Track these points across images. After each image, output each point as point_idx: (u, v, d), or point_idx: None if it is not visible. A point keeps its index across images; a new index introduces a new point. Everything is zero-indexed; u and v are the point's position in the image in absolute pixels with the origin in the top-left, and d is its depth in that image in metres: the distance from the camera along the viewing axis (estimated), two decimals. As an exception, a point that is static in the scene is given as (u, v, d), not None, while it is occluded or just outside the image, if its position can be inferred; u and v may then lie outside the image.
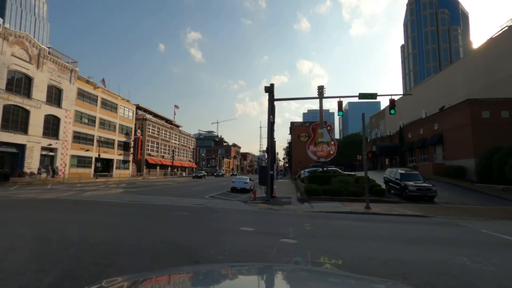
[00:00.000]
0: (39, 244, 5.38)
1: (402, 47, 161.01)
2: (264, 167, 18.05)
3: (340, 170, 28.77)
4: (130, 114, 50.66)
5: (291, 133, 72.94)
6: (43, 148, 32.35)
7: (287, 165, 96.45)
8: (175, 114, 70.17)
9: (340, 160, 75.45)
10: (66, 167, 35.56)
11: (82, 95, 38.47)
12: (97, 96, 41.34)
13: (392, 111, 17.74)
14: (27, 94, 30.38)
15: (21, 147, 29.92)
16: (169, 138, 66.06)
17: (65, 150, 35.33)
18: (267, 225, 9.16)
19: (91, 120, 40.41)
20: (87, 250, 5.04)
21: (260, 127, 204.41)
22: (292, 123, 71.36)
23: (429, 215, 12.23)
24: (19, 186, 22.53)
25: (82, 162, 38.49)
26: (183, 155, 74.65)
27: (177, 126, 75.55)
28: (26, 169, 30.11)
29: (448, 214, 12.76)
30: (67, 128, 35.50)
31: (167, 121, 71.05)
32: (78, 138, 37.81)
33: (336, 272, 2.81)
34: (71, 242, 5.60)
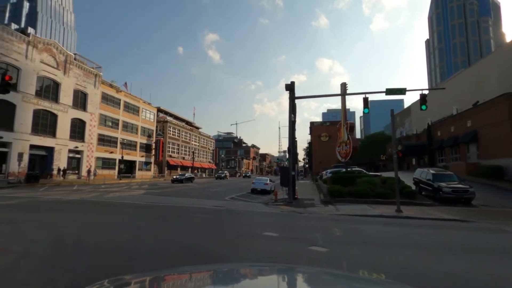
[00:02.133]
0: (54, 249, 5.14)
1: (427, 41, 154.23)
2: (285, 168, 17.44)
3: (364, 171, 27.51)
4: (152, 116, 51.71)
5: (311, 133, 71.55)
6: (70, 151, 33.55)
7: (307, 165, 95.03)
8: (194, 115, 70.78)
9: (362, 160, 72.99)
10: (92, 169, 36.66)
11: (106, 98, 39.65)
12: (120, 100, 42.49)
13: (424, 107, 16.58)
14: (55, 99, 31.63)
15: (50, 150, 31.16)
16: (189, 140, 66.88)
17: (91, 152, 36.48)
18: (292, 229, 8.57)
19: (115, 123, 41.54)
20: (101, 257, 4.71)
21: (279, 128, 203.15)
22: (312, 123, 70.01)
23: (469, 220, 11.10)
24: (47, 187, 23.34)
25: (106, 164, 39.62)
26: (203, 156, 75.36)
27: (197, 128, 76.44)
28: (55, 171, 31.30)
29: (490, 218, 11.55)
30: (92, 131, 36.67)
31: (187, 123, 72.04)
32: (103, 140, 38.96)
33: (364, 278, 2.58)
34: (87, 247, 5.33)
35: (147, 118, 50.02)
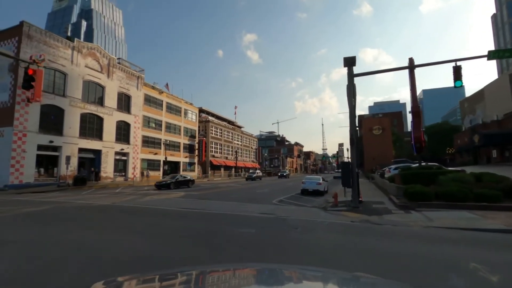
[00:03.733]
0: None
1: (494, 16, 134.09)
2: (347, 164, 14.06)
3: (442, 166, 22.46)
4: (194, 116, 51.33)
5: (360, 127, 65.55)
6: (116, 153, 33.89)
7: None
8: (235, 114, 69.62)
9: (424, 154, 64.21)
10: (137, 170, 36.86)
11: (148, 100, 39.74)
12: (162, 101, 42.45)
13: (458, 83, 11.72)
14: (100, 102, 32.06)
15: (97, 153, 31.62)
16: (232, 139, 65.76)
17: (136, 154, 36.66)
18: (391, 261, 5.27)
19: (158, 124, 41.56)
20: None
21: (322, 124, 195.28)
22: (362, 116, 63.88)
23: None
24: (93, 190, 23.01)
25: (151, 165, 39.70)
26: (245, 155, 73.88)
27: (239, 127, 75.25)
28: (102, 173, 31.71)
29: None
30: (136, 133, 36.83)
31: (229, 122, 71.17)
32: (147, 142, 39.07)
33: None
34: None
35: (189, 118, 49.68)
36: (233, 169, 62.72)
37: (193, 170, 49.75)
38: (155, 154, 40.14)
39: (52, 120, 26.73)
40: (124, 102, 35.62)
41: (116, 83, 34.16)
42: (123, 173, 34.22)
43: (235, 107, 71.09)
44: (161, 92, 42.47)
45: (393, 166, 24.43)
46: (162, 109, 42.35)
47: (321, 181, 20.58)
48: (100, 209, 12.08)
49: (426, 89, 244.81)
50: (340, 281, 1.53)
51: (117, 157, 34.23)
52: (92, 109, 30.85)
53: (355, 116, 14.12)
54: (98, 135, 31.68)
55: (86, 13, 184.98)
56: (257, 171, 51.58)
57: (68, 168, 25.96)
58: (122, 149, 34.54)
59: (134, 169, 36.18)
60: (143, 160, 38.15)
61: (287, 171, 62.59)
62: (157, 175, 40.16)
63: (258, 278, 1.53)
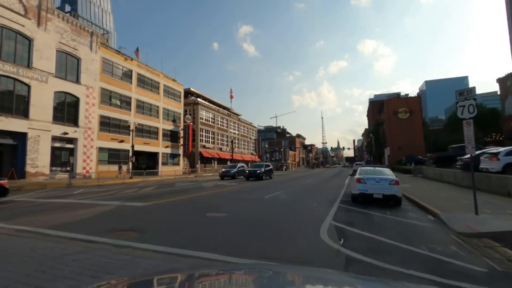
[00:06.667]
0: None
1: None
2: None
3: None
4: (178, 97, 40.63)
5: (381, 111, 55.23)
6: (55, 139, 23.38)
7: (367, 154, 77.57)
8: (231, 97, 58.92)
9: (448, 142, 53.10)
10: (93, 164, 26.37)
11: (109, 68, 29.06)
12: (131, 71, 31.75)
13: None
14: (25, 62, 21.40)
15: (21, 137, 21.08)
16: (227, 127, 55.24)
17: (89, 141, 26.12)
18: None
19: (125, 102, 30.94)
20: None
21: (322, 118, 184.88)
22: (388, 98, 53.38)
23: None
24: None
25: (115, 156, 29.17)
26: (244, 147, 63.44)
27: (236, 115, 64.62)
28: (30, 167, 21.21)
29: None
30: (90, 111, 26.24)
31: (224, 108, 60.48)
32: (107, 125, 28.49)
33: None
34: None
35: (172, 98, 39.00)
36: (229, 162, 52.27)
37: (177, 164, 39.28)
38: (121, 141, 29.59)
39: None
40: (70, 67, 24.94)
41: (54, 37, 23.45)
42: (68, 168, 23.67)
43: (231, 91, 60.13)
44: (128, 59, 31.70)
45: (502, 150, 14.04)
46: (131, 82, 31.68)
47: (394, 176, 10.22)
48: None
49: (428, 80, 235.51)
50: (341, 281, 1.47)
51: (57, 145, 23.71)
52: (8, 70, 20.20)
53: None
54: (21, 111, 21.12)
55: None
56: (240, 164, 31.12)
57: None
58: (66, 133, 23.99)
59: (86, 162, 25.68)
60: (101, 149, 27.60)
61: (262, 168, 25.12)
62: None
63: (257, 278, 1.46)
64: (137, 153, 33.76)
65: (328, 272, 1.94)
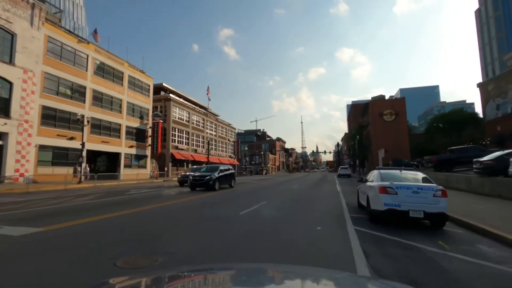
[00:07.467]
0: None
1: (477, 11, 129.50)
2: None
3: None
4: (146, 90, 35.92)
5: (364, 113, 53.27)
6: (-25, 132, 18.23)
7: (345, 158, 75.79)
8: (208, 94, 54.68)
9: (430, 147, 51.79)
10: (30, 165, 21.26)
11: (57, 50, 24.12)
12: (86, 56, 26.85)
13: None
14: None
15: None
16: (203, 127, 50.89)
17: (25, 137, 21.04)
18: None
19: (78, 92, 25.98)
20: None
21: (301, 122, 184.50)
22: (373, 99, 51.47)
23: None
24: None
25: (63, 157, 24.13)
26: (221, 149, 59.22)
27: (214, 115, 60.34)
28: None
29: None
30: (27, 100, 21.20)
31: (201, 107, 56.06)
32: (53, 118, 23.47)
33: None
34: None
35: (138, 91, 34.25)
36: (204, 165, 47.84)
37: (144, 166, 34.45)
38: (71, 139, 24.59)
39: None
40: (0, 43, 19.91)
41: (-23, 3, 18.42)
42: (-7, 170, 18.46)
43: (208, 89, 55.81)
44: (83, 41, 26.82)
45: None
46: (86, 69, 26.77)
47: (437, 185, 6.77)
48: None
49: (403, 88, 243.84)
50: (340, 282, 1.42)
51: (-22, 140, 18.56)
52: None
53: None
54: None
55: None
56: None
57: None
58: (-10, 126, 18.88)
59: (21, 163, 20.59)
60: (43, 147, 22.52)
61: (215, 172, 17.12)
62: (70, 172, 24.57)
63: (256, 278, 1.42)
64: (95, 154, 28.86)
65: (328, 272, 1.90)
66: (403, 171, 7.73)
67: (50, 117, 23.12)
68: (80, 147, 22.78)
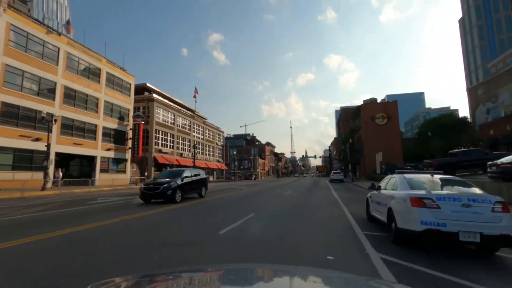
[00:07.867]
0: None
1: (461, 20, 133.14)
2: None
3: None
4: (126, 89, 33.42)
5: (356, 117, 52.19)
6: None
7: (336, 163, 74.73)
8: (195, 96, 52.45)
9: (419, 151, 50.86)
10: (-16, 170, 18.50)
11: (22, 41, 21.54)
12: (57, 49, 24.30)
13: None
14: None
15: None
16: (190, 130, 48.50)
17: (-21, 136, 18.32)
18: None
19: (47, 88, 23.35)
20: None
21: (291, 127, 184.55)
22: (365, 102, 50.39)
23: None
24: None
25: (26, 160, 21.38)
26: (209, 153, 56.85)
27: (202, 117, 58.01)
28: None
29: None
30: (-17, 95, 18.52)
31: (188, 109, 53.68)
32: (15, 116, 20.79)
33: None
34: None
35: (118, 90, 31.73)
36: (191, 171, 45.35)
37: (123, 171, 31.77)
38: (36, 140, 21.88)
39: None
40: (-51, 28, 17.27)
41: None
42: None
43: (195, 90, 53.52)
44: (53, 33, 24.30)
45: None
46: (57, 63, 24.20)
47: (494, 196, 4.99)
48: None
49: (390, 94, 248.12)
50: (340, 282, 1.42)
51: None
52: None
53: None
54: None
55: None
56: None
57: None
58: None
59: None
60: (1, 149, 19.77)
61: (177, 179, 12.94)
62: (39, 177, 21.77)
63: (255, 278, 1.42)
64: (67, 157, 26.11)
65: (329, 272, 1.90)
66: (435, 175, 5.86)
67: (11, 115, 20.44)
68: (46, 149, 20.09)
